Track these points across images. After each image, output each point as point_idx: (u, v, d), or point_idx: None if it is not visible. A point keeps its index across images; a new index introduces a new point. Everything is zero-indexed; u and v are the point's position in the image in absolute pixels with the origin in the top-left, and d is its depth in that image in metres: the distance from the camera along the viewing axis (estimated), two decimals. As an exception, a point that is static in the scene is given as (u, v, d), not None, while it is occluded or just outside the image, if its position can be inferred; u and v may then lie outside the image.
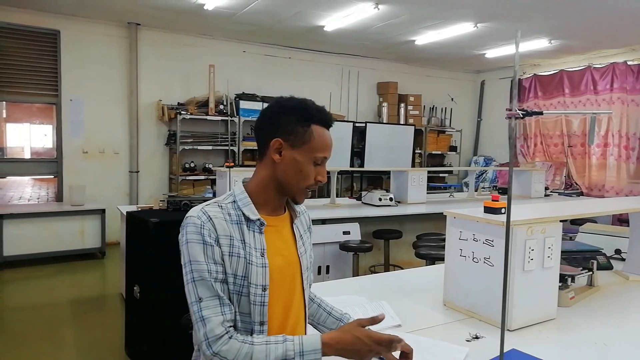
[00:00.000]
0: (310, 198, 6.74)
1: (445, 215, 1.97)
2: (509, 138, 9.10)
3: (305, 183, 1.21)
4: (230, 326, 1.10)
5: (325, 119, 1.23)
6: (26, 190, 10.53)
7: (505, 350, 1.32)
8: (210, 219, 1.13)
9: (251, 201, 1.19)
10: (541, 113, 1.25)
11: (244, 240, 1.15)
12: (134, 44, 6.65)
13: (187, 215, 1.16)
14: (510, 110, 1.25)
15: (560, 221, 1.84)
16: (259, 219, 1.18)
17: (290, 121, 1.18)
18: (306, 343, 1.08)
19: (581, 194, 7.50)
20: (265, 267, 1.15)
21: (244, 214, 1.17)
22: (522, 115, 1.24)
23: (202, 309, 1.08)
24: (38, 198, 9.02)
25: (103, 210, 5.92)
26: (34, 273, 5.34)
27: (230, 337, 1.07)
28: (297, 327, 1.27)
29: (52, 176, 6.56)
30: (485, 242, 1.77)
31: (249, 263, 1.13)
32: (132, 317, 3.29)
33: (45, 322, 3.93)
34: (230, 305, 1.11)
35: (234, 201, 1.19)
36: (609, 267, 2.52)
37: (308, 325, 1.36)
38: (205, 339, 1.06)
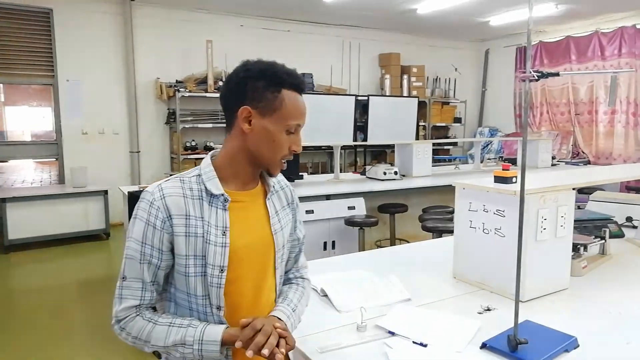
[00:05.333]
0: (313, 174, 6.72)
1: (453, 187, 1.91)
2: (519, 104, 8.96)
3: (279, 154, 1.12)
4: (146, 309, 1.09)
5: (297, 83, 1.12)
6: (28, 174, 10.52)
7: (518, 322, 1.28)
8: (164, 197, 1.06)
9: (216, 175, 1.11)
10: (557, 74, 1.17)
11: (203, 218, 1.08)
12: (129, 21, 6.50)
13: (145, 189, 1.11)
14: (524, 72, 1.18)
15: (573, 189, 1.78)
16: (222, 194, 1.10)
17: (258, 87, 1.09)
18: (208, 332, 1.05)
19: (588, 162, 7.41)
20: (224, 246, 1.08)
21: (206, 188, 1.09)
22: (536, 77, 1.17)
23: (122, 287, 1.07)
24: (41, 181, 9.00)
25: (105, 192, 5.90)
26: (40, 256, 5.36)
27: (137, 315, 1.07)
28: (269, 310, 1.18)
29: (54, 159, 6.51)
30: (496, 212, 1.72)
31: (206, 242, 1.07)
32: (138, 296, 3.29)
33: (54, 304, 3.95)
34: (152, 290, 1.08)
35: (199, 175, 1.11)
36: (621, 235, 2.48)
37: None
38: (115, 315, 1.07)
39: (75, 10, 6.24)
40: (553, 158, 6.14)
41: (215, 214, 1.09)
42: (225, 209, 1.10)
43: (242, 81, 1.10)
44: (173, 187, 1.08)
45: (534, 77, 1.20)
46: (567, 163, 6.78)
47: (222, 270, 1.07)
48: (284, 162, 1.15)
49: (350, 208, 4.16)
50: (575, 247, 1.93)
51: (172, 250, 1.07)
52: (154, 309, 1.12)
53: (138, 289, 1.07)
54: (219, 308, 1.09)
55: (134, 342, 1.07)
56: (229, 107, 1.12)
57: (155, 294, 1.10)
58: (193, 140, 6.86)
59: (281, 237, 1.20)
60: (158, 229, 1.05)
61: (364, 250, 4.02)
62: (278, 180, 1.26)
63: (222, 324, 1.09)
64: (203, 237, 1.06)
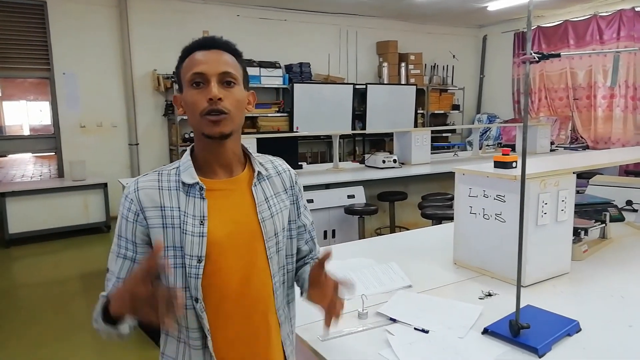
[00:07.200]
0: (312, 163, 6.70)
1: (452, 174, 1.91)
2: (517, 90, 8.92)
3: (197, 110, 1.04)
4: None
5: (201, 43, 1.08)
6: (28, 168, 10.49)
7: (520, 307, 1.28)
8: (137, 190, 1.06)
9: (192, 165, 1.09)
10: (558, 55, 1.16)
11: (180, 208, 1.05)
12: (124, 12, 6.44)
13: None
14: (524, 54, 1.17)
15: (573, 173, 1.78)
16: (197, 183, 1.07)
17: (178, 70, 1.11)
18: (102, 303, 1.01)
19: (587, 147, 7.39)
20: (202, 236, 1.04)
21: (182, 179, 1.08)
22: (537, 59, 1.15)
23: (107, 279, 1.08)
24: (40, 175, 8.99)
25: (105, 184, 5.89)
26: (41, 249, 5.36)
27: None
28: (261, 302, 1.12)
29: (52, 152, 6.49)
30: (496, 197, 1.71)
31: (183, 232, 1.04)
32: (140, 288, 3.29)
33: (57, 297, 3.96)
34: None
35: (178, 167, 1.11)
36: (621, 219, 2.47)
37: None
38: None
39: (69, 3, 6.17)
40: (552, 143, 6.13)
41: (192, 203, 1.06)
42: (202, 198, 1.06)
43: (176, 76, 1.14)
44: (149, 180, 1.08)
45: (534, 58, 1.18)
46: (565, 148, 6.77)
47: (199, 260, 1.04)
48: (213, 116, 1.04)
49: (350, 197, 4.16)
50: (576, 231, 1.92)
51: (148, 243, 1.05)
52: None
53: (116, 282, 1.05)
54: (196, 300, 1.05)
55: (96, 328, 1.02)
56: None
57: None
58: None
59: (271, 225, 1.13)
60: (131, 222, 1.05)
61: (364, 238, 4.02)
62: (274, 165, 1.22)
63: (202, 316, 1.05)
64: (180, 227, 1.04)
